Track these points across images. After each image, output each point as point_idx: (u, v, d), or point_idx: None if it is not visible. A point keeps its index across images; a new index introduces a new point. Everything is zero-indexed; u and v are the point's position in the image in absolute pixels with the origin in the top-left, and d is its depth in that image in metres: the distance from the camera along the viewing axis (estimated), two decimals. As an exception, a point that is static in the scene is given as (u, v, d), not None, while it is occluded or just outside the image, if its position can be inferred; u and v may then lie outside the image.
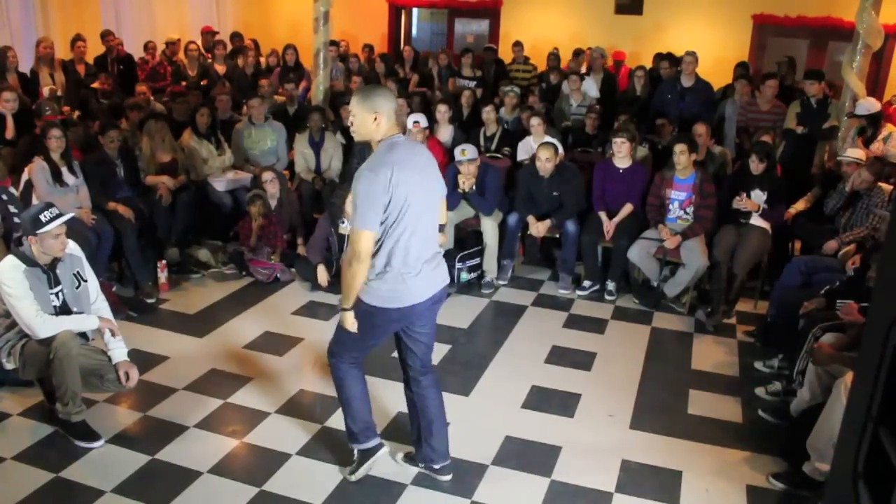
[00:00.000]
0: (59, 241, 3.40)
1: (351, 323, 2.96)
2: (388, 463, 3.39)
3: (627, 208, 5.54)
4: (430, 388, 3.22)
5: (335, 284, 5.04)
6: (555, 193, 5.57)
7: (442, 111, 6.60)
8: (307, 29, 7.61)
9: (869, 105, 5.94)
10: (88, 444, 3.42)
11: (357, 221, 2.79)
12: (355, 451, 3.28)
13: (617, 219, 5.50)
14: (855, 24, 6.06)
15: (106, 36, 8.30)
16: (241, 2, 11.69)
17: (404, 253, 2.87)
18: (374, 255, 2.87)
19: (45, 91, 6.76)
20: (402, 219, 2.82)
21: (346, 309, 2.94)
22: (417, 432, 3.28)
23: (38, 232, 3.31)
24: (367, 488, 3.24)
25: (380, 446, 3.29)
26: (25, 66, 7.32)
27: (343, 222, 5.24)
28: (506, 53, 10.12)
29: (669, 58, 7.99)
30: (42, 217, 3.32)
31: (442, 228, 3.21)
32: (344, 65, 9.15)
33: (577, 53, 9.25)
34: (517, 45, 9.65)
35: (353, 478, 3.27)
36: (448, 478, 3.30)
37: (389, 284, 2.90)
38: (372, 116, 2.81)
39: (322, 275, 5.22)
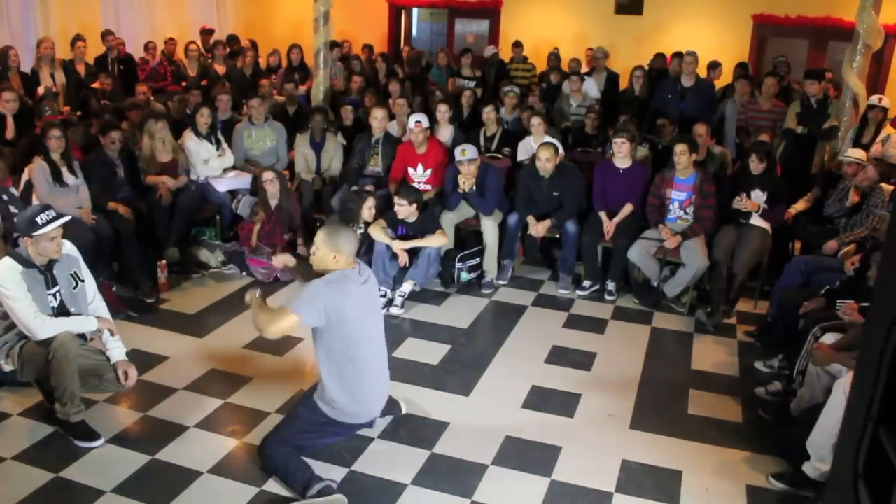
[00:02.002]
0: (55, 244, 3.39)
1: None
2: (388, 463, 3.39)
3: (627, 208, 5.54)
4: None
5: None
6: (555, 193, 5.57)
7: (443, 111, 6.60)
8: (307, 29, 7.61)
9: (887, 101, 6.11)
10: (88, 444, 3.41)
11: (297, 304, 3.12)
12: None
13: (617, 219, 5.50)
14: (855, 24, 6.06)
15: (106, 36, 8.30)
16: (241, 2, 11.68)
17: (358, 377, 3.24)
18: (328, 379, 3.22)
19: (41, 90, 6.76)
20: (351, 345, 3.19)
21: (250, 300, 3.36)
22: None
23: (33, 234, 3.31)
24: (367, 488, 3.24)
25: (330, 488, 3.12)
26: (26, 66, 7.33)
27: (359, 227, 5.25)
28: (506, 53, 10.12)
29: (677, 55, 7.94)
30: (38, 219, 3.31)
31: None
32: (344, 65, 9.16)
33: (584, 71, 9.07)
34: (517, 45, 9.65)
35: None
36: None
37: (344, 402, 3.25)
38: (332, 255, 3.19)
39: None
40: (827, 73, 7.52)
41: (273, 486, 3.22)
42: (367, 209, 5.30)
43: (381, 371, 3.45)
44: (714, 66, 8.37)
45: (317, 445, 3.35)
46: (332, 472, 3.32)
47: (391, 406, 3.73)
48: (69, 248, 3.56)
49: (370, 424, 3.49)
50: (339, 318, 3.13)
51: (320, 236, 3.22)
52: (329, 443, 3.40)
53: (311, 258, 3.27)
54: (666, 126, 6.68)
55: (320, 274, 3.25)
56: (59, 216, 3.40)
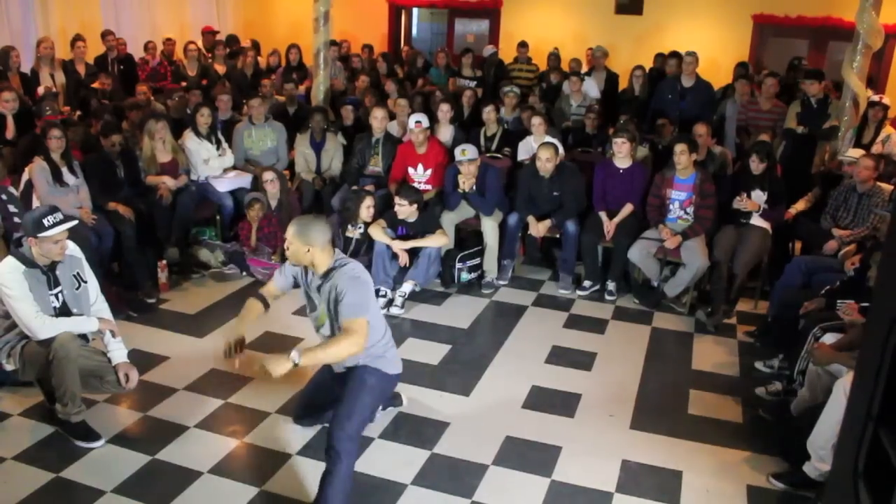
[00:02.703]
0: (59, 247, 3.39)
1: (284, 369, 2.93)
2: (388, 463, 3.39)
3: (628, 208, 5.54)
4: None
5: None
6: (555, 193, 5.57)
7: (445, 110, 6.60)
8: (307, 29, 7.61)
9: (887, 100, 6.19)
10: (88, 445, 3.42)
11: (359, 308, 3.07)
12: None
13: (617, 219, 5.49)
14: (855, 24, 6.06)
15: (106, 36, 8.30)
16: (241, 2, 11.69)
17: (384, 334, 3.34)
18: (376, 341, 3.24)
19: (41, 90, 6.76)
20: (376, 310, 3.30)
21: (298, 364, 2.94)
22: None
23: (38, 235, 3.31)
24: (367, 488, 3.23)
25: None
26: (26, 66, 7.33)
27: (359, 226, 5.25)
28: (505, 53, 10.11)
29: (676, 55, 7.89)
30: (45, 221, 3.30)
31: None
32: (344, 64, 9.15)
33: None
34: (523, 45, 9.61)
35: None
36: None
37: (393, 354, 3.34)
38: (305, 248, 3.14)
39: None
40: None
41: (273, 486, 3.22)
42: (366, 209, 5.30)
43: None
44: (743, 65, 8.25)
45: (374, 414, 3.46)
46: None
47: (393, 397, 3.75)
48: (73, 248, 3.55)
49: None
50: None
51: (291, 230, 3.17)
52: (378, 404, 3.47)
53: (287, 252, 3.24)
54: (666, 126, 6.68)
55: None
56: (66, 219, 3.39)
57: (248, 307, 3.47)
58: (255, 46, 9.43)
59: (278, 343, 4.55)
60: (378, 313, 3.36)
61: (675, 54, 7.77)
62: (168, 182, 5.66)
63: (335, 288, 3.11)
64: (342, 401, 3.12)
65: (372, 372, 3.23)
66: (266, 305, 3.50)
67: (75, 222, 3.51)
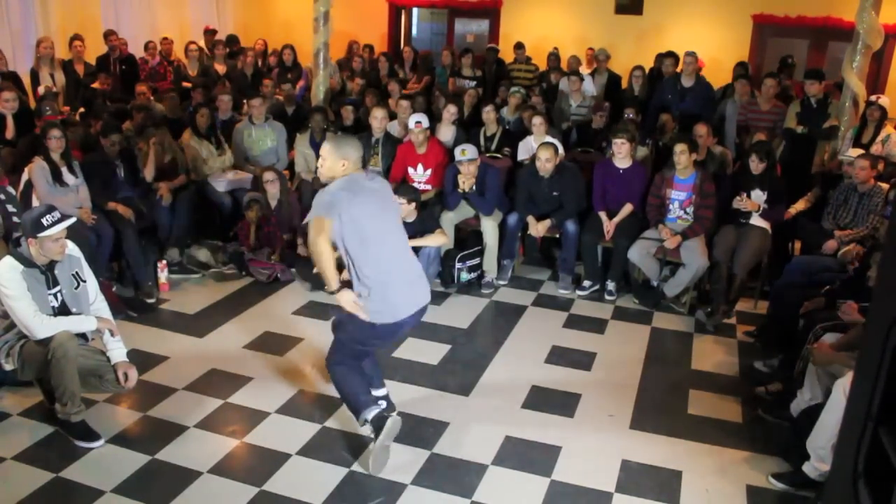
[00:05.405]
0: (59, 245, 3.39)
1: (347, 301, 3.25)
2: (388, 463, 3.39)
3: (627, 208, 5.54)
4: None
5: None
6: (555, 193, 5.57)
7: (452, 111, 6.59)
8: (307, 29, 7.61)
9: (886, 100, 6.19)
10: (88, 444, 3.41)
11: (314, 212, 3.19)
12: (367, 426, 3.32)
13: (617, 219, 5.50)
14: (855, 24, 6.07)
15: (108, 36, 8.31)
16: (240, 2, 11.69)
17: (377, 270, 3.24)
18: (353, 276, 3.27)
19: (41, 90, 6.76)
20: (367, 240, 3.21)
21: (333, 291, 3.28)
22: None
23: (38, 235, 3.31)
24: (367, 488, 3.24)
25: (381, 419, 3.29)
26: (25, 66, 7.33)
27: None
28: (506, 53, 10.12)
29: (671, 55, 7.89)
30: (44, 221, 3.30)
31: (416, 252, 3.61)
32: (344, 66, 9.14)
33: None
34: (519, 46, 9.63)
35: (376, 447, 3.26)
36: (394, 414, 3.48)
37: (374, 303, 3.25)
38: (341, 163, 3.25)
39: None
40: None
41: (273, 486, 3.22)
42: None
43: (406, 269, 3.41)
44: (742, 65, 8.15)
45: (369, 349, 3.54)
46: (332, 472, 3.33)
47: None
48: (71, 248, 3.55)
49: (400, 326, 3.42)
50: (351, 218, 3.17)
51: (326, 147, 3.26)
52: (378, 345, 3.58)
53: (319, 171, 3.32)
54: (668, 123, 6.66)
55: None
56: (64, 218, 3.40)
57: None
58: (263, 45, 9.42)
59: (278, 343, 4.56)
60: (375, 249, 3.24)
61: (670, 54, 7.76)
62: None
63: None
64: None
65: (343, 319, 3.40)
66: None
67: (73, 220, 3.51)
